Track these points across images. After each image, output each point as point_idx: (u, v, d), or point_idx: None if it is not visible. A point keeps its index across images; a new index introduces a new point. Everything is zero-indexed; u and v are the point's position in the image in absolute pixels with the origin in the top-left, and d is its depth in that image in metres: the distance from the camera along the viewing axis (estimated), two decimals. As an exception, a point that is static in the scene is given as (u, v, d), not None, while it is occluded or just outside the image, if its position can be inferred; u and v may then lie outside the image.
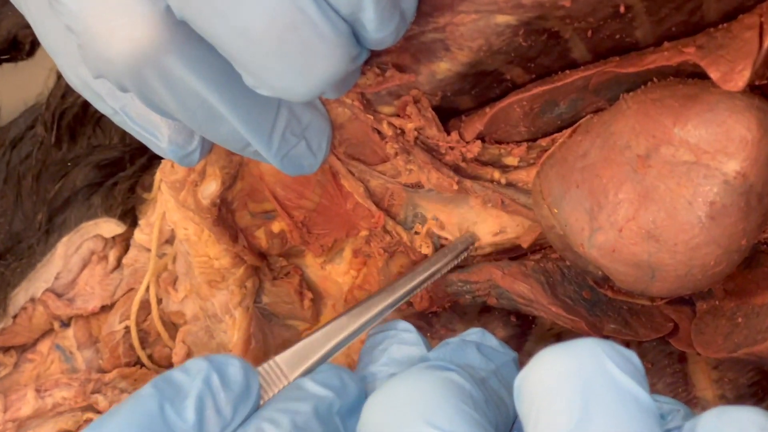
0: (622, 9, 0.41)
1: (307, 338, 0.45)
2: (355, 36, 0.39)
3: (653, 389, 0.52)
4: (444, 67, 0.45)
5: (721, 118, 0.42)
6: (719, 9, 0.43)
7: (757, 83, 0.43)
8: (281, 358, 0.43)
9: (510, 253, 0.55)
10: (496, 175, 0.50)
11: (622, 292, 0.52)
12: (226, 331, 0.57)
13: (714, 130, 0.42)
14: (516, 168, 0.50)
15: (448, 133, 0.49)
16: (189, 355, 0.59)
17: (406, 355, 0.43)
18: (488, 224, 0.53)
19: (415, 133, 0.49)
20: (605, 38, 0.44)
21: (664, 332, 0.51)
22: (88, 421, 0.61)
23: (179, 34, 0.39)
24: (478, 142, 0.49)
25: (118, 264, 0.63)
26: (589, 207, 0.45)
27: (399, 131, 0.49)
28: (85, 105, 0.67)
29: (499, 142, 0.50)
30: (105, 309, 0.64)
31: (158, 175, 0.62)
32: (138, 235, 0.62)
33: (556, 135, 0.49)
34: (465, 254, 0.53)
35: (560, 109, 0.47)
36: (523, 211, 0.51)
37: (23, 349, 0.65)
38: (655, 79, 0.45)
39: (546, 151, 0.49)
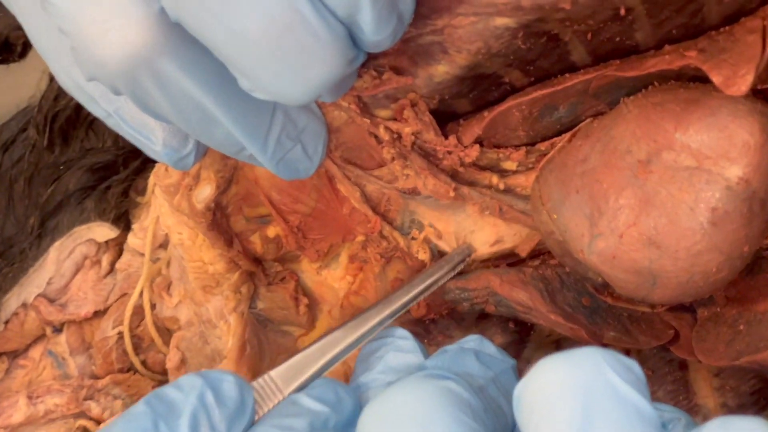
0: (622, 11, 0.41)
1: (302, 352, 0.45)
2: (352, 38, 0.39)
3: (654, 397, 0.52)
4: (442, 70, 0.45)
5: (724, 122, 0.42)
6: (720, 12, 0.42)
7: (759, 87, 0.43)
8: (276, 373, 0.43)
9: (508, 259, 0.55)
10: (494, 179, 0.50)
11: (623, 299, 0.52)
12: (221, 336, 0.57)
13: (716, 135, 0.42)
14: (514, 173, 0.50)
15: (446, 137, 0.49)
16: (183, 361, 0.59)
17: (403, 362, 0.43)
18: (485, 233, 0.53)
19: (412, 137, 0.48)
20: (605, 41, 0.44)
21: (664, 340, 0.51)
22: (81, 428, 0.61)
23: (173, 36, 0.38)
24: (477, 146, 0.49)
25: (112, 269, 0.63)
26: (589, 212, 0.45)
27: (396, 135, 0.49)
28: (78, 107, 0.67)
29: (498, 147, 0.50)
30: (98, 314, 0.63)
31: (152, 179, 0.61)
32: (131, 240, 0.62)
33: (555, 139, 0.49)
34: (461, 266, 0.53)
35: (560, 113, 0.47)
36: (522, 218, 0.50)
37: (15, 355, 0.65)
38: (656, 83, 0.45)
39: (545, 155, 0.49)
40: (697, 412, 0.51)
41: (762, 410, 0.50)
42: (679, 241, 0.43)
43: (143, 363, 0.63)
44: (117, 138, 0.66)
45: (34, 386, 0.62)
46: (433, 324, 0.56)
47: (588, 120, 0.47)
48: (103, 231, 0.62)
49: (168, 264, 0.60)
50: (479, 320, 0.57)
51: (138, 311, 0.62)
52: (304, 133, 0.47)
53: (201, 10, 0.36)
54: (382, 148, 0.50)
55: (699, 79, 0.43)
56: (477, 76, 0.46)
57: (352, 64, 0.39)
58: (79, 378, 0.62)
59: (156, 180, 0.53)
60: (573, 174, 0.46)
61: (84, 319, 0.63)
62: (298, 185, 0.54)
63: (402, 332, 0.44)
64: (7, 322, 0.63)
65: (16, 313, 0.63)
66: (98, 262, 0.63)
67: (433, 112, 0.48)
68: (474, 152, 0.49)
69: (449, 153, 0.49)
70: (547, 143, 0.49)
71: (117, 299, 0.63)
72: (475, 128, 0.48)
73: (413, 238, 0.54)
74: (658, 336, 0.51)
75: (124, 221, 0.63)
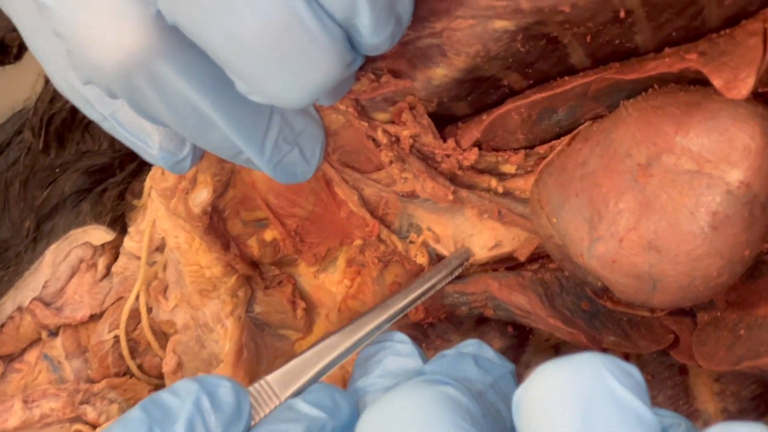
0: (622, 14, 0.41)
1: (299, 357, 0.45)
2: (350, 41, 0.39)
3: (653, 402, 0.51)
4: (440, 73, 0.45)
5: (724, 126, 0.42)
6: (720, 14, 0.42)
7: (760, 90, 0.43)
8: (272, 378, 0.43)
9: (507, 263, 0.54)
10: (493, 183, 0.50)
11: (622, 303, 0.51)
12: (218, 341, 0.57)
13: (717, 139, 0.42)
14: (513, 176, 0.50)
15: (444, 141, 0.49)
16: (179, 365, 0.59)
17: (402, 366, 0.43)
18: (484, 237, 0.53)
19: (411, 140, 0.48)
20: (604, 43, 0.44)
21: (664, 344, 0.51)
22: (77, 432, 0.60)
23: (170, 39, 0.38)
24: (475, 149, 0.49)
25: (108, 272, 0.63)
26: (588, 216, 0.45)
27: (394, 138, 0.49)
28: (74, 110, 0.66)
29: (496, 150, 0.50)
30: (94, 318, 0.63)
31: (148, 182, 0.61)
32: (128, 243, 0.62)
33: (554, 142, 0.49)
34: (460, 269, 0.53)
35: (559, 116, 0.47)
36: (521, 221, 0.50)
37: (10, 358, 0.65)
38: (656, 86, 0.45)
39: (544, 158, 0.48)
40: (697, 418, 0.50)
41: (763, 415, 0.50)
42: (679, 245, 0.42)
43: (139, 367, 0.63)
44: (113, 140, 0.65)
45: (29, 390, 0.62)
46: (432, 328, 0.56)
47: (587, 123, 0.47)
48: (99, 234, 0.62)
49: (164, 267, 0.60)
50: (477, 324, 0.56)
51: (134, 315, 0.61)
52: (302, 137, 0.47)
53: (198, 12, 0.35)
54: (380, 151, 0.49)
55: (699, 82, 0.43)
56: (475, 79, 0.45)
57: (350, 68, 0.39)
58: (75, 382, 0.62)
59: (152, 183, 0.53)
60: (572, 177, 0.46)
61: (80, 323, 0.63)
62: (295, 189, 0.54)
63: (400, 336, 0.44)
64: (2, 326, 0.63)
65: (11, 317, 0.63)
66: (94, 265, 0.63)
67: (432, 115, 0.48)
68: (472, 155, 0.48)
69: (447, 156, 0.49)
70: (545, 146, 0.49)
71: (113, 303, 0.63)
72: (473, 131, 0.48)
73: (411, 242, 0.54)
74: (657, 340, 0.51)
75: (120, 224, 0.62)
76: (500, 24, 0.41)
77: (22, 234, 0.64)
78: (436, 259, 0.54)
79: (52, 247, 0.62)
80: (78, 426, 0.61)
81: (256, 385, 0.43)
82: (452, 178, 0.50)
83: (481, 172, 0.50)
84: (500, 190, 0.50)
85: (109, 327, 0.62)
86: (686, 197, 0.42)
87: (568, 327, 0.50)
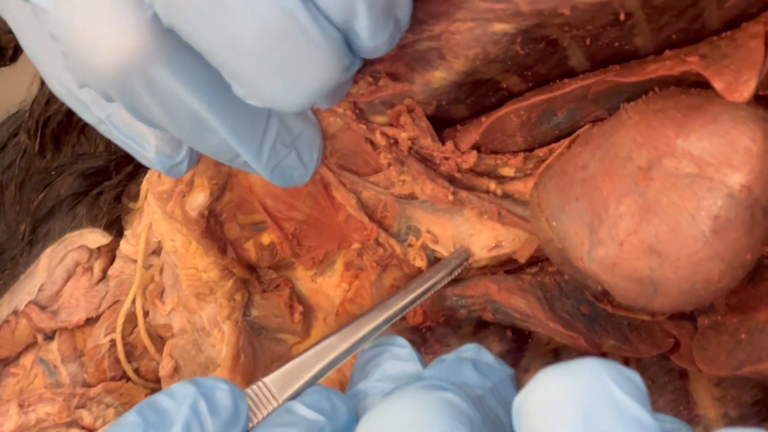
0: (622, 16, 0.40)
1: (297, 358, 0.44)
2: (348, 44, 0.38)
3: (654, 406, 0.51)
4: (439, 76, 0.45)
5: (725, 129, 0.41)
6: (721, 17, 0.42)
7: (762, 94, 0.43)
8: (270, 380, 0.43)
9: (506, 266, 0.54)
10: (492, 186, 0.50)
11: (622, 307, 0.51)
12: (215, 345, 0.56)
13: (718, 142, 0.41)
14: (512, 179, 0.50)
15: (443, 143, 0.49)
16: (176, 369, 0.58)
17: (400, 371, 0.43)
18: (484, 237, 0.53)
19: (409, 143, 0.48)
20: (604, 46, 0.43)
21: (665, 348, 0.51)
22: (73, 437, 0.60)
23: (167, 42, 0.38)
24: (474, 152, 0.48)
25: (104, 275, 0.63)
26: (589, 220, 0.45)
27: (392, 141, 0.48)
28: (70, 112, 0.66)
29: (495, 152, 0.49)
30: (90, 322, 0.63)
31: (144, 185, 0.61)
32: (124, 246, 0.62)
33: (553, 145, 0.48)
34: (458, 270, 0.52)
35: (558, 118, 0.47)
36: (521, 223, 0.50)
37: (6, 362, 0.65)
38: (656, 89, 0.45)
39: (543, 161, 0.48)
40: (697, 423, 0.50)
41: (764, 421, 0.49)
42: (680, 249, 0.42)
43: (136, 371, 0.62)
44: (109, 143, 0.65)
45: (25, 395, 0.62)
46: (430, 332, 0.56)
47: (587, 126, 0.47)
48: (95, 237, 0.62)
49: (161, 271, 0.60)
50: (476, 328, 0.56)
51: (131, 318, 0.61)
52: (299, 140, 0.47)
53: (194, 15, 0.35)
54: (379, 154, 0.49)
55: (700, 84, 0.43)
56: (474, 82, 0.45)
57: (348, 71, 0.39)
58: (71, 386, 0.62)
59: (149, 187, 0.53)
60: (572, 181, 0.45)
61: (76, 327, 0.63)
62: (292, 192, 0.54)
63: (399, 340, 0.44)
64: (-3, 330, 0.63)
65: (7, 321, 0.63)
66: (90, 268, 0.62)
67: (430, 118, 0.48)
68: (471, 158, 0.48)
69: (446, 159, 0.49)
70: (545, 149, 0.49)
71: (109, 306, 0.63)
72: (472, 134, 0.48)
73: (410, 245, 0.54)
74: (658, 344, 0.51)
75: (116, 227, 0.62)
76: (499, 27, 0.41)
77: (17, 237, 0.64)
78: (435, 261, 0.54)
79: (48, 250, 0.62)
80: (74, 430, 0.61)
81: (254, 386, 0.42)
82: (451, 181, 0.50)
83: (480, 174, 0.50)
84: (499, 192, 0.50)
85: (105, 331, 0.62)
86: (687, 201, 0.42)
87: (568, 331, 0.50)
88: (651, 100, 0.44)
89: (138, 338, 0.62)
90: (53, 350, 0.63)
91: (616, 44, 0.43)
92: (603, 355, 0.51)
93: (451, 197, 0.49)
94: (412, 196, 0.51)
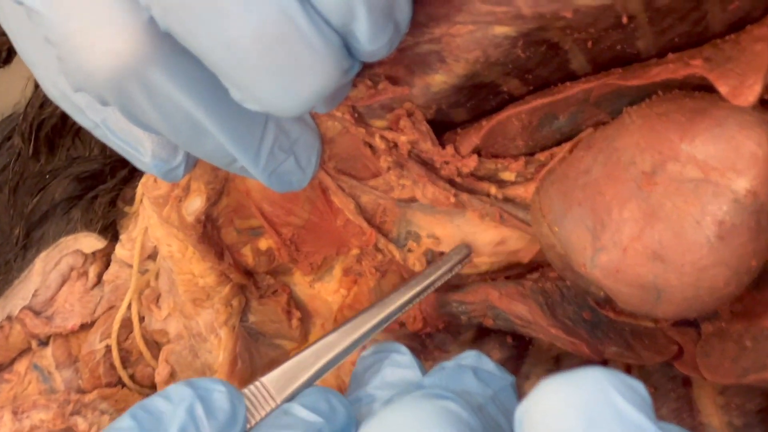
0: (624, 19, 0.40)
1: (295, 357, 0.44)
2: (347, 48, 0.38)
3: (656, 414, 0.51)
4: (439, 80, 0.44)
5: (730, 133, 0.41)
6: (724, 19, 0.42)
7: (767, 97, 0.42)
8: (268, 379, 0.42)
9: (507, 272, 0.54)
10: (493, 190, 0.49)
11: (625, 314, 0.51)
12: (211, 351, 0.56)
13: (723, 146, 0.41)
14: (513, 183, 0.50)
15: (443, 147, 0.48)
16: (172, 375, 0.58)
17: (400, 377, 0.42)
18: (489, 234, 0.52)
19: (409, 146, 0.48)
20: (605, 49, 0.43)
21: (668, 355, 0.50)
22: (67, 444, 0.60)
23: (163, 46, 0.37)
24: (474, 156, 0.48)
25: (99, 280, 0.62)
26: (591, 226, 0.44)
27: (392, 144, 0.48)
28: (64, 115, 0.66)
29: (496, 156, 0.49)
30: (85, 327, 0.63)
31: (140, 189, 0.61)
32: (119, 251, 0.61)
33: (555, 149, 0.48)
34: (460, 266, 0.52)
35: (560, 122, 0.47)
36: (522, 227, 0.50)
37: (-1, 369, 0.64)
38: (659, 92, 0.44)
39: (544, 165, 0.48)
40: (701, 431, 0.50)
41: (768, 429, 0.49)
42: (684, 255, 0.42)
43: (131, 377, 0.62)
44: (104, 146, 0.65)
45: (19, 401, 0.62)
46: (429, 338, 0.56)
47: (589, 130, 0.47)
48: (90, 242, 0.62)
49: (157, 276, 0.59)
50: (476, 335, 0.56)
51: (126, 324, 0.61)
52: (297, 145, 0.46)
53: (191, 18, 0.35)
54: (378, 158, 0.49)
55: (704, 88, 0.43)
56: (475, 86, 0.45)
57: (347, 75, 0.38)
58: (66, 392, 0.61)
59: (144, 191, 0.53)
60: (575, 186, 0.45)
61: (71, 332, 0.62)
62: (290, 197, 0.54)
63: (398, 347, 0.43)
64: (-9, 336, 0.62)
65: (0, 326, 0.62)
66: (85, 273, 0.62)
67: (430, 122, 0.48)
68: (472, 162, 0.48)
69: (446, 163, 0.48)
70: (546, 153, 0.48)
71: (104, 312, 0.62)
72: (473, 138, 0.47)
73: (410, 250, 0.54)
74: (661, 351, 0.50)
75: (111, 231, 0.62)
76: (500, 30, 0.40)
77: (11, 242, 0.64)
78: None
79: (42, 254, 0.62)
80: (69, 437, 0.60)
81: (252, 387, 0.42)
82: (451, 184, 0.49)
83: (481, 179, 0.50)
84: (500, 197, 0.49)
85: (100, 336, 0.62)
86: (692, 206, 0.42)
87: (570, 337, 0.50)
88: (654, 103, 0.44)
89: (133, 344, 0.61)
90: (47, 356, 0.62)
91: (618, 47, 0.43)
92: (605, 362, 0.51)
93: (452, 200, 0.49)
94: (411, 200, 0.51)
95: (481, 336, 0.56)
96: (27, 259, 0.63)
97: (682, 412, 0.51)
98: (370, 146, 0.49)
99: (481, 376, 0.41)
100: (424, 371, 0.42)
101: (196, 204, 0.51)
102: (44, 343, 0.63)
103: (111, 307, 0.62)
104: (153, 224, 0.55)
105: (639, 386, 0.32)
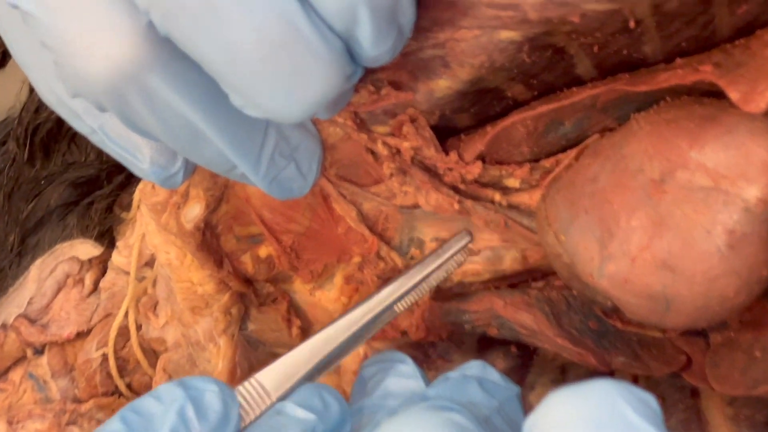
0: (631, 24, 0.40)
1: (291, 353, 0.43)
2: (350, 53, 0.37)
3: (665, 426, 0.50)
4: (443, 85, 0.44)
5: (741, 140, 0.40)
6: (732, 24, 0.41)
7: (778, 104, 0.42)
8: (263, 376, 0.42)
9: (511, 280, 0.54)
10: (497, 197, 0.49)
11: (633, 323, 0.51)
12: (210, 359, 0.56)
13: (733, 154, 0.41)
14: (518, 190, 0.49)
15: (447, 153, 0.48)
16: (170, 383, 0.58)
17: (403, 387, 0.42)
18: (495, 234, 0.51)
19: (412, 152, 0.47)
20: (612, 54, 0.43)
21: (676, 366, 0.50)
22: (63, 454, 0.60)
23: (162, 51, 0.37)
24: (479, 162, 0.48)
25: (95, 288, 0.62)
26: (599, 234, 0.44)
27: (395, 150, 0.48)
28: (60, 120, 0.66)
29: (500, 163, 0.49)
30: (81, 335, 0.62)
31: (137, 194, 0.61)
32: (116, 258, 0.61)
33: (560, 156, 0.48)
34: (462, 254, 0.50)
35: (565, 128, 0.46)
36: (527, 234, 0.49)
37: (-6, 377, 0.64)
38: (668, 98, 0.44)
39: (549, 172, 0.48)
40: (710, 443, 0.49)
41: (778, 441, 0.49)
42: (694, 264, 0.41)
43: (128, 386, 0.62)
44: (100, 152, 0.65)
45: (14, 410, 0.61)
46: (432, 348, 0.55)
47: (596, 136, 0.47)
48: (86, 248, 0.62)
49: (154, 283, 0.59)
50: (480, 344, 0.56)
51: (123, 332, 0.61)
52: (298, 151, 0.46)
53: (191, 23, 0.34)
54: (381, 164, 0.49)
55: (713, 94, 0.42)
56: (479, 91, 0.45)
57: (349, 80, 0.38)
58: (62, 402, 0.61)
59: (142, 198, 0.53)
60: (582, 194, 0.45)
61: (66, 341, 0.62)
62: (291, 204, 0.53)
63: (401, 356, 0.43)
64: (-14, 344, 0.62)
65: (-5, 334, 0.62)
66: (81, 280, 0.62)
67: (433, 128, 0.47)
68: (476, 169, 0.48)
69: (450, 170, 0.48)
70: (551, 160, 0.48)
71: (101, 320, 0.62)
72: (477, 144, 0.47)
73: (412, 258, 0.53)
74: (669, 362, 0.50)
75: (108, 238, 0.62)
76: (506, 34, 0.40)
77: (6, 248, 0.64)
78: None
79: (38, 261, 0.62)
80: (65, 447, 0.60)
81: (246, 384, 0.42)
82: (455, 190, 0.49)
83: (485, 186, 0.49)
84: (504, 203, 0.49)
85: (96, 345, 0.61)
86: (702, 215, 0.41)
87: (576, 347, 0.50)
88: (663, 110, 0.43)
89: (130, 352, 0.61)
90: (43, 365, 0.62)
91: (625, 52, 0.43)
92: (612, 372, 0.51)
93: (456, 206, 0.48)
94: (414, 207, 0.50)
95: (485, 345, 0.55)
96: (22, 266, 0.62)
97: (691, 423, 0.50)
98: (373, 152, 0.49)
99: (486, 386, 0.40)
100: (427, 381, 0.42)
101: (195, 211, 0.51)
102: (40, 351, 0.63)
103: (107, 315, 0.62)
104: (151, 231, 0.55)
105: (649, 398, 0.32)
